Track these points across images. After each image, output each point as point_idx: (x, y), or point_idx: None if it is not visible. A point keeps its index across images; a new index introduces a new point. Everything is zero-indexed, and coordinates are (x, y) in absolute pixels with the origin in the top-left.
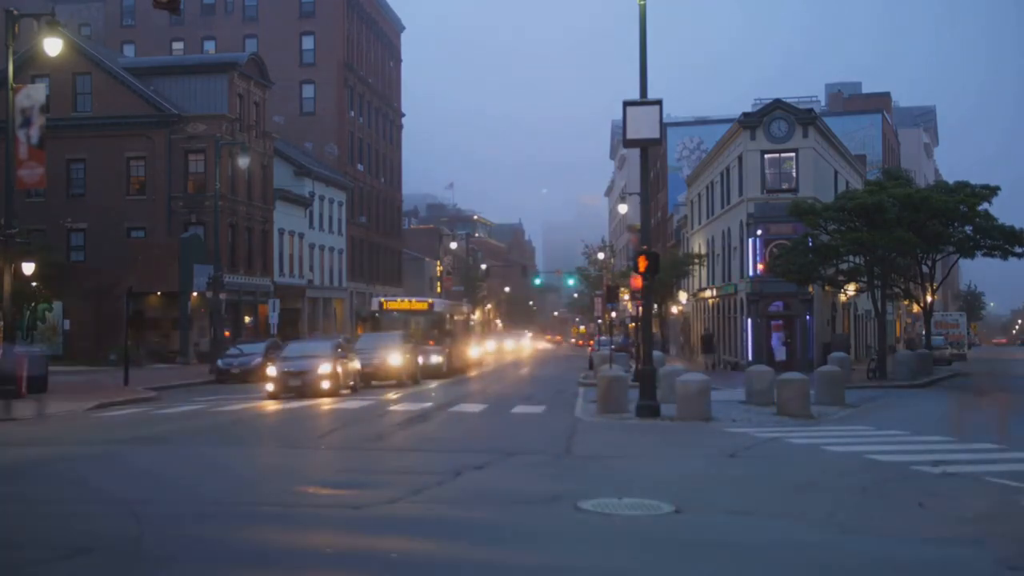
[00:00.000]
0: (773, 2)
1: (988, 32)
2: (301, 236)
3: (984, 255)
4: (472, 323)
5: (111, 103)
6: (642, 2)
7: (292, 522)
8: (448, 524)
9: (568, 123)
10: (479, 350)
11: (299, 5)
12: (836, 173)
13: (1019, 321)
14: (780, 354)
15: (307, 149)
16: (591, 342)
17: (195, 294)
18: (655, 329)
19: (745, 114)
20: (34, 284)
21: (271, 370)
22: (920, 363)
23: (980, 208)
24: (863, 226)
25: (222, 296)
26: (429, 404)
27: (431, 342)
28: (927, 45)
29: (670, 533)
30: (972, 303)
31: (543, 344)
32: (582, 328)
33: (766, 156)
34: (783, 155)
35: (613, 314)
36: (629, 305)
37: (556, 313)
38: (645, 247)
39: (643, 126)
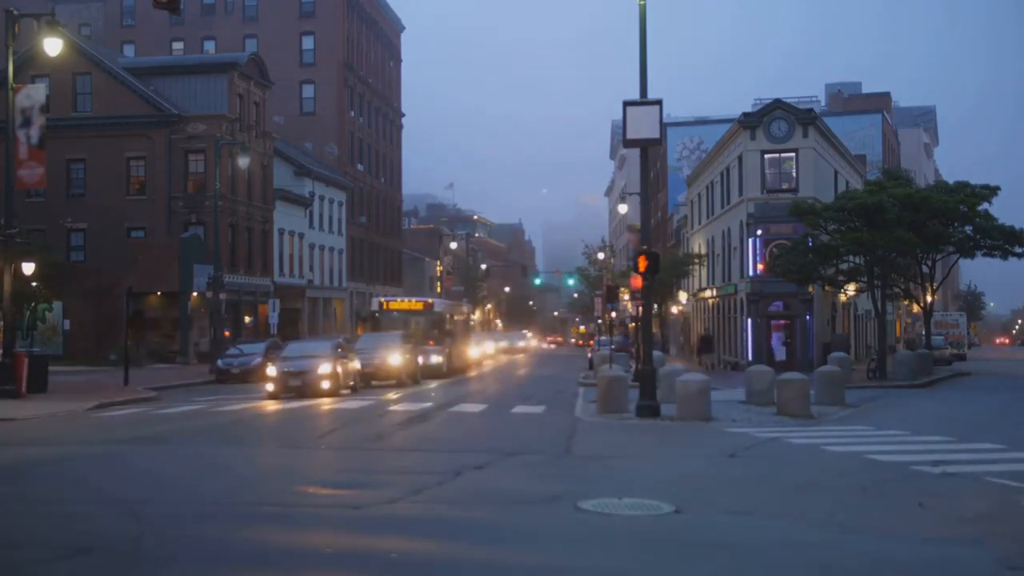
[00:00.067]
0: (773, 2)
1: (988, 32)
2: (301, 236)
3: (984, 255)
4: (472, 323)
5: (111, 103)
6: (642, 2)
7: (292, 522)
8: (448, 524)
9: (568, 123)
10: (479, 350)
11: (299, 5)
12: (836, 173)
13: (1019, 321)
14: (780, 354)
15: (307, 149)
16: (591, 342)
17: (195, 294)
18: (655, 329)
19: (745, 114)
20: (34, 284)
21: (271, 370)
22: (920, 363)
23: (980, 208)
24: (863, 226)
25: (222, 296)
26: (429, 404)
27: (431, 342)
28: (927, 45)
29: (670, 533)
30: (972, 303)
31: (543, 345)
32: (582, 328)
33: (766, 156)
34: (783, 155)
35: (613, 314)
36: (629, 305)
37: (556, 313)
38: (645, 247)
39: (643, 126)
